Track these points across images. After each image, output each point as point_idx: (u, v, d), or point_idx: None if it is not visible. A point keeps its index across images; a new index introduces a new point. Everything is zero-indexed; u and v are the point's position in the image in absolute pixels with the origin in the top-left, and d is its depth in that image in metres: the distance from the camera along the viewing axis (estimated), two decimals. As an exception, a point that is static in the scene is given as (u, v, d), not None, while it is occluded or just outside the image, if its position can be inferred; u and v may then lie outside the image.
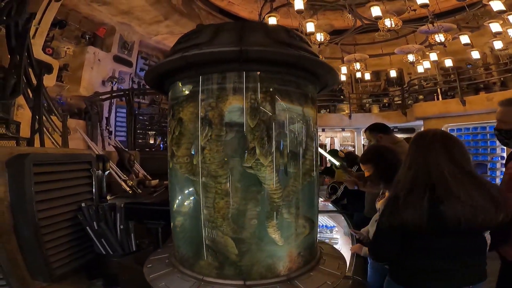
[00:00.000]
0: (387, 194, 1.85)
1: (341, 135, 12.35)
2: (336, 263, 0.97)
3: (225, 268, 0.82)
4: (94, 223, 2.66)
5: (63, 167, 2.73)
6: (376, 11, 4.13)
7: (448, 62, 7.37)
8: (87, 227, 2.66)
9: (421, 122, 9.71)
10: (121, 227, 2.66)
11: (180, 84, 0.89)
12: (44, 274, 2.36)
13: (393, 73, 9.12)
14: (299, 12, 4.28)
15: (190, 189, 0.89)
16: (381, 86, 11.92)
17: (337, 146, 11.65)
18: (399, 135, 11.80)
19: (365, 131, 3.05)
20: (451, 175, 1.23)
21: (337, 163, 3.67)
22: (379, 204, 1.95)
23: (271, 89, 0.81)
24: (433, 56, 6.74)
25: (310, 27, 4.75)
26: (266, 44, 0.75)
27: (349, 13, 5.05)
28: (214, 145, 0.80)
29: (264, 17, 5.01)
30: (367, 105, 11.61)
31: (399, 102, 10.91)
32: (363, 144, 11.49)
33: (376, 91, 11.97)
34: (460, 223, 1.18)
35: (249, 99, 0.79)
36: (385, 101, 11.60)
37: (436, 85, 9.49)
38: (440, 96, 9.05)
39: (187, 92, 0.87)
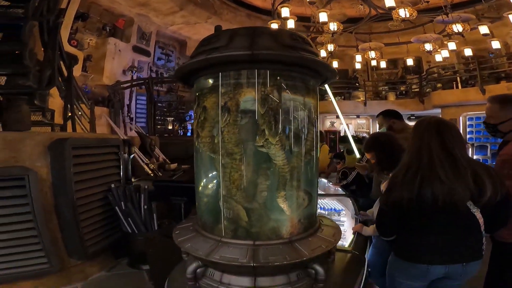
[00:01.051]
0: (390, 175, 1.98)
1: (356, 122, 12.31)
2: (332, 232, 1.14)
3: (239, 231, 1.01)
4: (122, 203, 2.93)
5: (96, 150, 2.99)
6: (389, 1, 4.10)
7: (468, 52, 7.20)
8: (116, 207, 2.94)
9: (438, 110, 9.56)
10: (145, 207, 2.92)
11: (204, 79, 1.06)
12: (79, 253, 2.61)
13: (410, 62, 8.95)
14: (312, 3, 4.31)
15: (211, 165, 1.08)
16: (399, 74, 11.72)
17: (351, 133, 11.66)
18: (416, 124, 11.62)
19: (377, 116, 3.15)
20: (438, 158, 1.37)
21: (358, 155, 3.77)
22: (382, 186, 2.09)
23: (277, 83, 0.99)
24: (452, 46, 6.61)
25: (323, 17, 4.76)
26: (272, 47, 0.92)
27: (361, 5, 5.01)
28: (231, 128, 0.98)
29: (277, 8, 5.06)
30: (383, 92, 11.47)
31: (417, 90, 10.72)
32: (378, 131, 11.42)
33: (393, 79, 11.78)
34: (438, 200, 1.33)
35: (259, 91, 0.97)
36: (402, 88, 11.41)
37: (456, 73, 9.25)
38: (459, 85, 8.85)
39: (209, 85, 1.05)
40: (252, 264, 0.90)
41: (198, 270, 1.07)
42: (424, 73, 10.37)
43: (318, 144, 1.18)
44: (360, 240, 1.77)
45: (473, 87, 8.23)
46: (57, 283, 2.32)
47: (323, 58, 7.56)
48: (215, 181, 1.07)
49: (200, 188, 1.14)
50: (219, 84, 0.99)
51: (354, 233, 1.91)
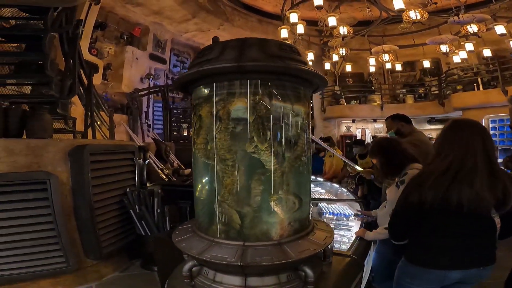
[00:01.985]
0: (396, 180, 1.97)
1: (373, 126, 12.06)
2: (324, 236, 1.16)
3: (230, 232, 1.07)
4: (136, 206, 3.05)
5: (112, 156, 3.14)
6: (398, 3, 4.04)
7: (487, 52, 6.96)
8: (131, 210, 3.06)
9: (459, 113, 9.27)
10: (158, 210, 3.03)
11: (199, 89, 1.14)
12: (95, 253, 2.75)
13: (426, 64, 8.74)
14: (319, 7, 4.34)
15: (206, 170, 1.14)
16: (417, 76, 11.44)
17: (368, 137, 11.45)
18: (438, 126, 11.30)
19: (386, 120, 3.10)
20: (481, 165, 1.33)
21: (359, 168, 3.74)
22: (387, 192, 2.08)
23: (266, 92, 1.04)
24: (469, 46, 6.41)
25: (332, 21, 4.76)
26: (260, 58, 0.97)
27: (368, 8, 4.97)
28: (223, 135, 1.04)
29: (285, 13, 5.11)
30: (400, 95, 11.22)
31: (436, 92, 10.42)
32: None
33: (411, 82, 11.52)
34: (463, 206, 1.30)
35: (249, 100, 1.02)
36: (420, 91, 11.13)
37: (477, 75, 8.95)
38: (480, 86, 8.55)
39: (204, 95, 1.12)
40: (239, 264, 0.95)
41: (194, 269, 1.14)
42: (443, 75, 10.08)
43: (309, 150, 1.22)
44: (361, 245, 1.77)
45: (495, 88, 7.94)
46: (74, 282, 2.46)
47: (335, 62, 7.53)
48: (209, 186, 1.13)
49: (197, 192, 1.20)
50: (212, 94, 1.06)
51: (356, 238, 1.91)
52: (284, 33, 5.31)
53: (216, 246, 1.05)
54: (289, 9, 4.86)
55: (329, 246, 1.32)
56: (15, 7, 2.56)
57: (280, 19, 5.97)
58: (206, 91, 1.11)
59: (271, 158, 1.05)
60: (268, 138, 1.03)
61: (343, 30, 5.09)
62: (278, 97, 1.06)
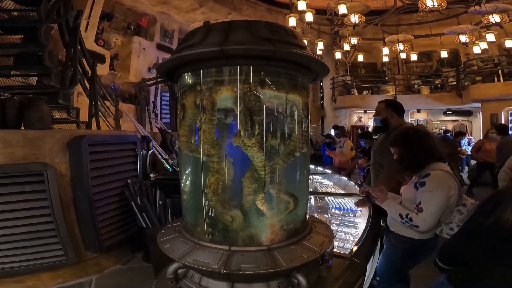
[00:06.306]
0: (413, 178, 1.77)
1: (386, 117, 11.72)
2: (321, 241, 1.05)
3: (216, 235, 0.97)
4: (138, 198, 2.97)
5: (112, 147, 3.06)
6: (414, -9, 3.78)
7: (509, 43, 6.59)
8: (132, 202, 2.98)
9: (478, 105, 8.99)
10: (160, 202, 2.94)
11: (182, 77, 1.03)
12: (95, 246, 2.69)
13: (444, 54, 8.37)
14: (329, -6, 4.13)
15: (190, 166, 1.04)
16: (433, 66, 11.03)
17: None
18: (454, 118, 10.96)
19: (379, 103, 2.65)
20: None
21: None
22: (402, 189, 1.88)
23: (256, 79, 0.92)
24: (490, 37, 6.06)
25: (342, 9, 4.53)
26: (246, 41, 0.85)
27: None
28: (206, 127, 0.94)
29: (293, 1, 4.90)
30: (415, 86, 10.85)
31: (454, 83, 10.04)
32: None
33: (427, 72, 11.11)
34: None
35: (235, 88, 0.91)
36: (437, 82, 10.74)
37: (497, 66, 8.54)
38: (501, 78, 8.16)
39: (187, 83, 1.02)
40: (222, 271, 0.86)
41: (180, 271, 1.05)
42: (462, 65, 9.69)
43: (307, 143, 1.10)
44: (363, 246, 1.64)
45: (516, 80, 7.56)
46: (74, 275, 2.43)
47: (346, 51, 7.27)
48: (193, 183, 1.03)
49: (183, 188, 1.11)
50: (195, 82, 0.95)
51: (358, 241, 1.75)
52: (292, 21, 5.11)
53: (200, 249, 0.96)
54: (297, -4, 4.65)
55: (328, 249, 1.21)
56: None
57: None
58: (189, 79, 1.00)
59: (259, 154, 0.94)
60: (256, 133, 0.91)
61: (354, 18, 4.85)
62: (270, 85, 0.94)
